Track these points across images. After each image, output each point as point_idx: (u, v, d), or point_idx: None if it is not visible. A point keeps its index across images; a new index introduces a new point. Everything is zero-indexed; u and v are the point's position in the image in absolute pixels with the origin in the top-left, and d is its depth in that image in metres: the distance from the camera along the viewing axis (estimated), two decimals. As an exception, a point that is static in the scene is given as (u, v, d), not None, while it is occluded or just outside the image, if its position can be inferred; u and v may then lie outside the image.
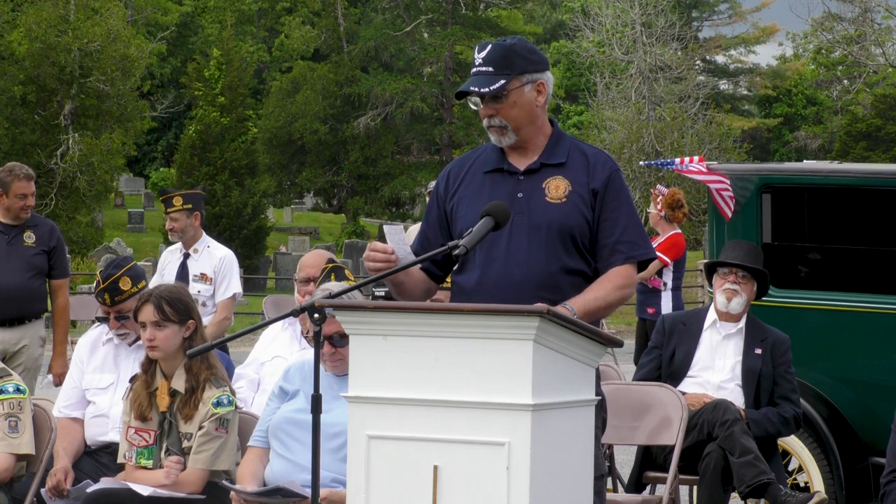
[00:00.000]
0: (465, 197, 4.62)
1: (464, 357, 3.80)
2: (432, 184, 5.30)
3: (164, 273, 9.61)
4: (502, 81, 4.50)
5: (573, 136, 4.83)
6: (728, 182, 7.85)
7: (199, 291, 9.38)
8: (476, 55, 4.58)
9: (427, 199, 5.04)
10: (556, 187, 4.56)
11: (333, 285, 5.66)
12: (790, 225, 7.93)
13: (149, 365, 5.69)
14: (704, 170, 8.01)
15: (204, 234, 9.72)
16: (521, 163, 4.62)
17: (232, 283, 9.60)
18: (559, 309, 4.14)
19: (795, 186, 7.87)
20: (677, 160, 8.39)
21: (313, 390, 3.98)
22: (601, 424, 4.58)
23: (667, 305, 11.91)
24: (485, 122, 4.59)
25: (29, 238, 8.56)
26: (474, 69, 4.55)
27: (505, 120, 4.55)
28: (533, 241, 4.49)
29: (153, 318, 5.61)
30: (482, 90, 4.50)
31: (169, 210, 9.49)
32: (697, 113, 43.03)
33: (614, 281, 4.53)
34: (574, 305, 4.38)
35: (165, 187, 9.75)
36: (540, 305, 3.84)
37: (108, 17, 36.86)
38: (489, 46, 4.57)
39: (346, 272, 6.45)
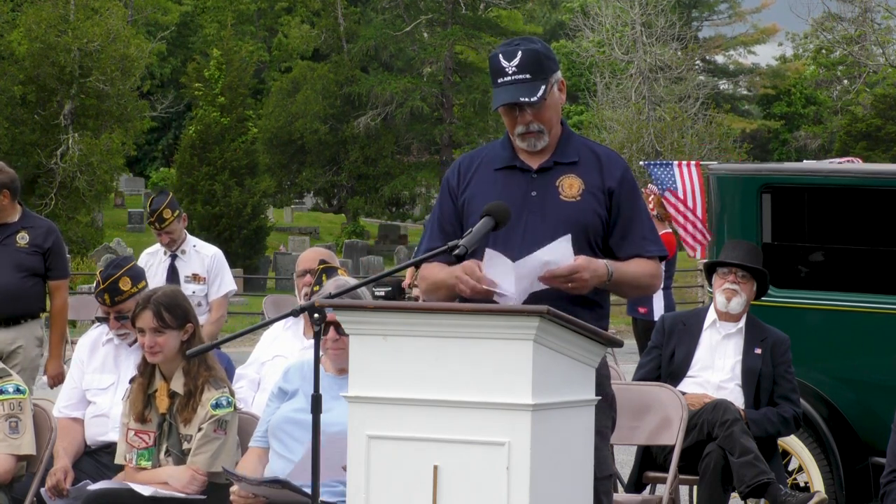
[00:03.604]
0: (477, 194, 4.60)
1: (464, 357, 3.80)
2: None
3: (148, 277, 9.51)
4: (543, 87, 4.49)
5: (581, 135, 4.83)
6: (696, 226, 7.89)
7: (193, 292, 9.36)
8: (504, 62, 4.50)
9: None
10: (570, 185, 4.56)
11: (339, 282, 5.64)
12: (790, 225, 7.93)
13: (145, 368, 5.69)
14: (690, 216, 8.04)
15: (187, 233, 9.70)
16: (533, 161, 4.60)
17: (225, 281, 9.60)
18: (599, 263, 4.35)
19: (795, 186, 7.87)
20: (675, 164, 8.40)
21: (313, 390, 3.98)
22: (611, 425, 4.58)
23: (658, 305, 11.90)
24: (519, 129, 4.54)
25: (22, 239, 8.52)
26: (509, 77, 4.49)
27: (541, 124, 4.54)
28: (547, 240, 4.48)
29: (152, 324, 5.60)
30: (531, 100, 4.47)
31: (163, 226, 9.46)
32: (697, 113, 43.01)
33: (651, 269, 4.61)
34: (613, 266, 4.45)
35: (154, 206, 9.64)
36: (541, 306, 3.84)
37: (108, 17, 36.86)
38: (519, 53, 4.51)
39: (340, 272, 6.44)
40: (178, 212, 9.50)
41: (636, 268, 4.57)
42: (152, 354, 5.61)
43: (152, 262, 9.67)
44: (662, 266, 12.54)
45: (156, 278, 9.45)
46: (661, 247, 4.67)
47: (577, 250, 4.50)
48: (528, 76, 4.49)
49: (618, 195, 4.58)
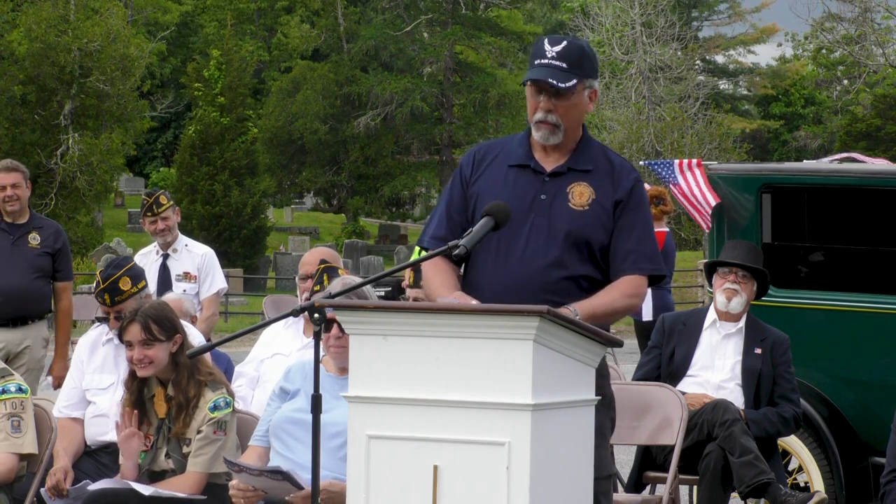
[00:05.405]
0: (488, 189, 4.58)
1: (464, 357, 3.81)
2: None
3: None
4: (574, 81, 4.48)
5: (600, 142, 4.81)
6: (708, 204, 7.89)
7: (184, 291, 9.37)
8: (547, 46, 4.52)
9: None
10: (580, 194, 4.54)
11: (346, 280, 5.64)
12: (790, 225, 7.93)
13: (132, 383, 5.69)
14: (696, 191, 8.04)
15: (179, 233, 9.71)
16: (547, 163, 4.59)
17: (216, 279, 9.60)
18: (562, 310, 4.12)
19: (795, 186, 7.87)
20: (675, 162, 8.40)
21: (313, 390, 3.98)
22: (610, 424, 4.57)
23: (647, 304, 11.86)
24: (538, 115, 4.53)
25: (34, 239, 8.56)
26: (545, 60, 4.49)
27: (560, 119, 4.52)
28: (550, 245, 4.47)
29: (140, 337, 5.60)
30: (559, 84, 4.46)
31: (160, 211, 9.44)
32: (697, 113, 43.02)
33: (623, 288, 4.50)
34: (578, 308, 4.35)
35: (149, 192, 9.70)
36: (541, 306, 3.84)
37: (108, 17, 36.86)
38: (564, 42, 4.54)
39: (341, 272, 6.44)
40: (172, 202, 9.53)
41: (605, 296, 4.46)
42: (142, 368, 5.61)
43: (145, 262, 9.66)
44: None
45: (148, 277, 9.45)
46: (657, 265, 4.58)
47: (579, 259, 4.48)
48: (564, 65, 4.48)
49: (623, 206, 4.55)
